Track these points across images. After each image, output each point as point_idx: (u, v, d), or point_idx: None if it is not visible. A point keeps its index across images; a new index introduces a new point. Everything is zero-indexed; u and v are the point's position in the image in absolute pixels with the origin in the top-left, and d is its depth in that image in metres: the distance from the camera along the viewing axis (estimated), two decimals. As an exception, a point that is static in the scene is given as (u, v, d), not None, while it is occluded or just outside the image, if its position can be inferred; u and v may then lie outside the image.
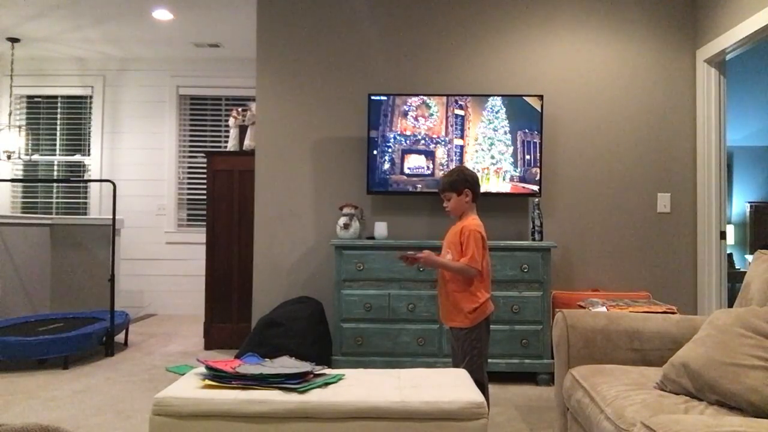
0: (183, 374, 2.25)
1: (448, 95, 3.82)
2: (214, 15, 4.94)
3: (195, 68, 6.10)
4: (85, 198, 6.20)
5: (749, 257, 7.03)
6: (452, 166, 3.79)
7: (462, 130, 3.81)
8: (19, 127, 5.77)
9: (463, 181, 2.60)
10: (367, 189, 3.84)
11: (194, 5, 4.75)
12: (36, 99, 6.26)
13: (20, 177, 6.22)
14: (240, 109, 4.73)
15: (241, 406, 1.84)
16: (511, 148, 3.79)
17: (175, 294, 6.00)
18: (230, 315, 4.43)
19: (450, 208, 2.63)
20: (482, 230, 2.53)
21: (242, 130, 4.68)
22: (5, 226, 4.55)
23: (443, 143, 3.81)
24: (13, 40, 5.54)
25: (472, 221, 2.57)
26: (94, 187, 6.13)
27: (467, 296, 2.51)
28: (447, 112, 3.81)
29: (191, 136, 6.20)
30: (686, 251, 3.95)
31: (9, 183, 6.15)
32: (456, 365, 2.54)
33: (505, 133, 3.79)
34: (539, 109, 3.79)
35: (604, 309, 3.19)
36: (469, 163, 3.78)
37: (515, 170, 3.79)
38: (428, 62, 4.04)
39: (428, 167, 3.81)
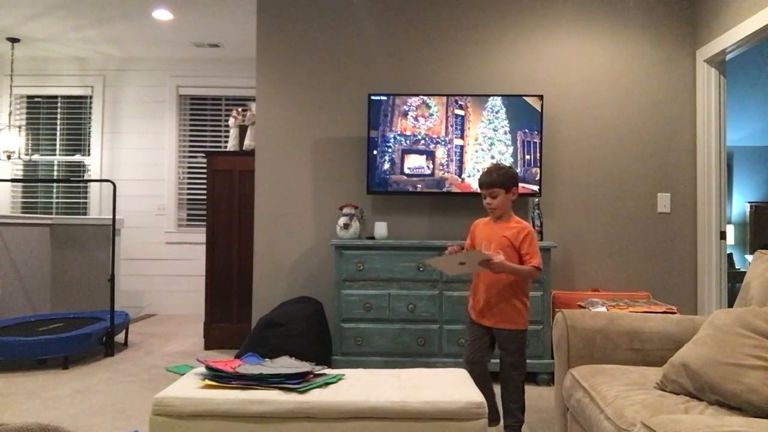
0: (183, 374, 2.26)
1: (448, 95, 3.82)
2: (214, 15, 4.94)
3: (195, 68, 6.10)
4: (85, 198, 6.20)
5: (749, 257, 7.02)
6: (452, 166, 3.79)
7: (462, 130, 3.81)
8: (19, 127, 5.78)
9: (513, 178, 2.56)
10: (367, 189, 3.84)
11: (194, 5, 4.75)
12: (36, 99, 6.26)
13: (20, 177, 6.22)
14: (240, 109, 4.72)
15: (241, 406, 1.84)
16: (511, 148, 3.79)
17: (175, 294, 6.00)
18: (230, 315, 4.43)
19: (496, 205, 2.54)
20: None
21: (242, 130, 4.68)
22: (5, 226, 4.54)
23: (443, 143, 3.81)
24: (13, 40, 5.54)
25: (524, 222, 2.59)
26: (94, 187, 6.13)
27: (524, 298, 2.54)
28: (447, 112, 3.81)
29: (191, 136, 6.20)
30: (686, 251, 3.95)
31: (9, 183, 6.15)
32: (506, 367, 2.53)
33: (505, 133, 3.79)
34: (539, 109, 3.78)
35: (604, 309, 3.19)
36: (469, 163, 3.78)
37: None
38: (428, 62, 4.04)
39: (428, 167, 3.81)
